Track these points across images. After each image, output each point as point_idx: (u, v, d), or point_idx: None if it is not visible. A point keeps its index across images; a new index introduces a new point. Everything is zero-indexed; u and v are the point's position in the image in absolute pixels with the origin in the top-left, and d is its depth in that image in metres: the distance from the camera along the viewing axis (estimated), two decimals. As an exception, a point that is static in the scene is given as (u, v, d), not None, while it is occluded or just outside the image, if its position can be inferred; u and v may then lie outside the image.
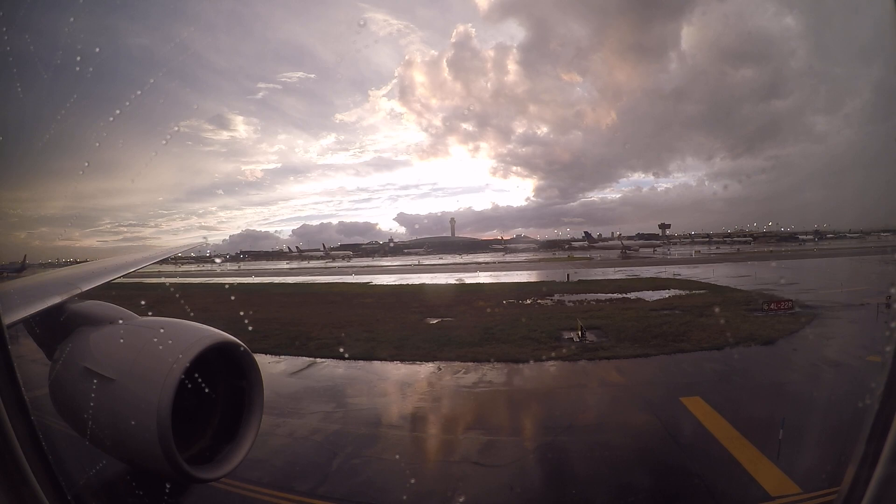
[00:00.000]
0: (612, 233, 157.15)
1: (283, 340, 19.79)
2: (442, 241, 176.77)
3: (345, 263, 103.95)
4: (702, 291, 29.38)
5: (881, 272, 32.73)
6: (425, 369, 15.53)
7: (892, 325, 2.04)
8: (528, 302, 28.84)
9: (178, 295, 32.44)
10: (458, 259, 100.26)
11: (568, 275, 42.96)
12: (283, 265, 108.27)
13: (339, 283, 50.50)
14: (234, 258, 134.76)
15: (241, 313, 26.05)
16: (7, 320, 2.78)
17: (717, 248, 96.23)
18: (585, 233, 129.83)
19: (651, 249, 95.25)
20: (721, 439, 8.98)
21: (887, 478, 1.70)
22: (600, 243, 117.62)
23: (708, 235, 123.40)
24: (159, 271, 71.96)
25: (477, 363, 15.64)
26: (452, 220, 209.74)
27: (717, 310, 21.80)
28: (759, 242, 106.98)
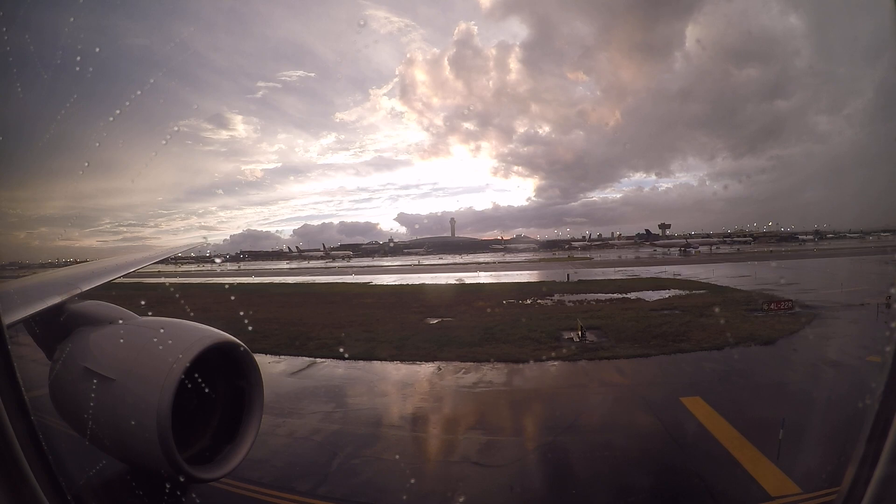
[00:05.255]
0: (612, 233, 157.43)
1: (282, 340, 19.78)
2: (442, 241, 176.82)
3: (345, 263, 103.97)
4: (702, 291, 29.36)
5: (881, 272, 32.73)
6: (425, 369, 15.52)
7: (892, 326, 2.04)
8: (528, 302, 28.82)
9: (178, 295, 32.45)
10: (458, 259, 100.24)
11: (568, 275, 42.94)
12: (283, 265, 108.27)
13: (339, 283, 50.50)
14: (234, 258, 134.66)
15: (241, 313, 26.05)
16: (7, 320, 2.78)
17: (716, 248, 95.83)
18: (646, 230, 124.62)
19: (709, 248, 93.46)
20: (721, 439, 8.97)
21: (887, 478, 1.70)
22: (661, 240, 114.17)
23: (708, 235, 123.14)
24: (159, 271, 71.91)
25: (477, 363, 15.63)
26: (453, 220, 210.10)
27: (717, 310, 21.78)
28: (759, 242, 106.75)
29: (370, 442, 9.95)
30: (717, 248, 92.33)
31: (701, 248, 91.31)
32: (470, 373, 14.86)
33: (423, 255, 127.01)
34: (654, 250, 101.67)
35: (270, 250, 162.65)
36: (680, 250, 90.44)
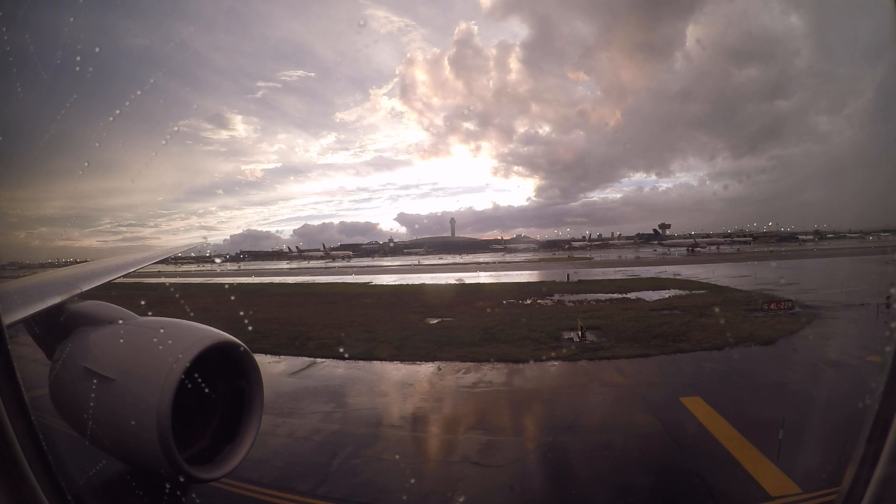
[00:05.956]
0: (613, 233, 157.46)
1: (282, 340, 19.78)
2: (442, 241, 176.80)
3: (345, 263, 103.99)
4: (702, 291, 29.36)
5: (881, 272, 32.73)
6: (425, 369, 15.52)
7: (892, 326, 2.04)
8: (528, 302, 28.83)
9: (178, 295, 32.45)
10: (458, 259, 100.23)
11: (568, 275, 42.95)
12: (283, 265, 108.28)
13: (339, 283, 50.51)
14: (234, 258, 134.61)
15: (241, 313, 26.05)
16: (7, 320, 2.78)
17: (717, 248, 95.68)
18: (654, 230, 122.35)
19: (715, 247, 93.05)
20: (721, 439, 8.97)
21: (887, 478, 1.70)
22: (668, 240, 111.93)
23: (708, 235, 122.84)
24: (159, 271, 71.89)
25: (477, 363, 15.63)
26: (453, 220, 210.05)
27: (717, 310, 21.78)
28: (759, 242, 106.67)
29: (370, 442, 9.95)
30: (718, 248, 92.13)
31: (708, 248, 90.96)
32: (470, 373, 14.86)
33: (423, 255, 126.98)
34: (654, 250, 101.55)
35: (270, 250, 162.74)
36: (688, 250, 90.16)
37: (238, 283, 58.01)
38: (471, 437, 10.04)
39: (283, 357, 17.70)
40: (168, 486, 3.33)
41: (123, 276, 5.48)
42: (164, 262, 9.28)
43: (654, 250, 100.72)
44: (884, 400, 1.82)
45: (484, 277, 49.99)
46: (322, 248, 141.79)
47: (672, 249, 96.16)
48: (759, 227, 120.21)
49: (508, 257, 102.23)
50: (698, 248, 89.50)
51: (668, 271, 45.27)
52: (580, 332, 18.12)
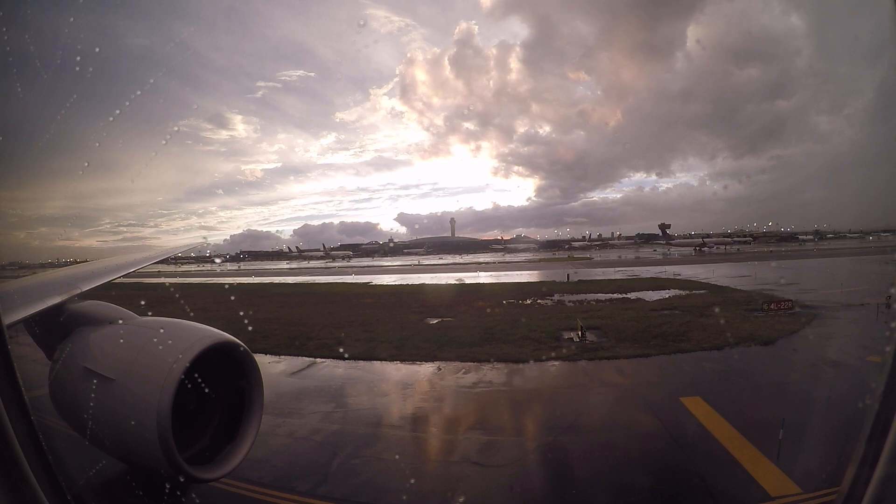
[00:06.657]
0: (613, 233, 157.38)
1: (283, 340, 19.79)
2: (442, 241, 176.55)
3: (345, 263, 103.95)
4: (702, 291, 29.36)
5: (881, 272, 32.73)
6: (425, 369, 15.52)
7: (892, 326, 2.04)
8: (528, 302, 28.83)
9: (178, 295, 32.46)
10: (458, 259, 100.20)
11: (568, 275, 42.95)
12: (284, 265, 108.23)
13: (339, 283, 50.52)
14: (235, 258, 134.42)
15: (241, 313, 26.05)
16: (7, 320, 2.78)
17: (718, 248, 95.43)
18: (662, 230, 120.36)
19: (723, 247, 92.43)
20: (721, 439, 8.98)
21: (887, 478, 1.70)
22: (675, 240, 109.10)
23: (708, 235, 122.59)
24: (159, 271, 71.84)
25: (477, 363, 15.63)
26: (453, 221, 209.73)
27: (717, 310, 21.78)
28: (759, 242, 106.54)
29: (370, 442, 9.95)
30: (725, 248, 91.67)
31: (716, 248, 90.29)
32: (470, 373, 14.86)
33: (423, 255, 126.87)
34: (654, 250, 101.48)
35: (270, 250, 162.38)
36: (695, 249, 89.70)
37: (238, 283, 58.01)
38: (471, 437, 10.04)
39: (283, 357, 17.70)
40: (168, 486, 3.33)
41: (123, 276, 5.48)
42: (164, 262, 9.28)
43: (654, 250, 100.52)
44: (884, 400, 1.82)
45: (484, 277, 49.98)
46: (322, 248, 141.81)
47: (673, 249, 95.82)
48: (759, 227, 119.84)
49: (508, 257, 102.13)
50: (705, 248, 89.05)
51: (667, 271, 45.27)
52: (580, 332, 18.12)
